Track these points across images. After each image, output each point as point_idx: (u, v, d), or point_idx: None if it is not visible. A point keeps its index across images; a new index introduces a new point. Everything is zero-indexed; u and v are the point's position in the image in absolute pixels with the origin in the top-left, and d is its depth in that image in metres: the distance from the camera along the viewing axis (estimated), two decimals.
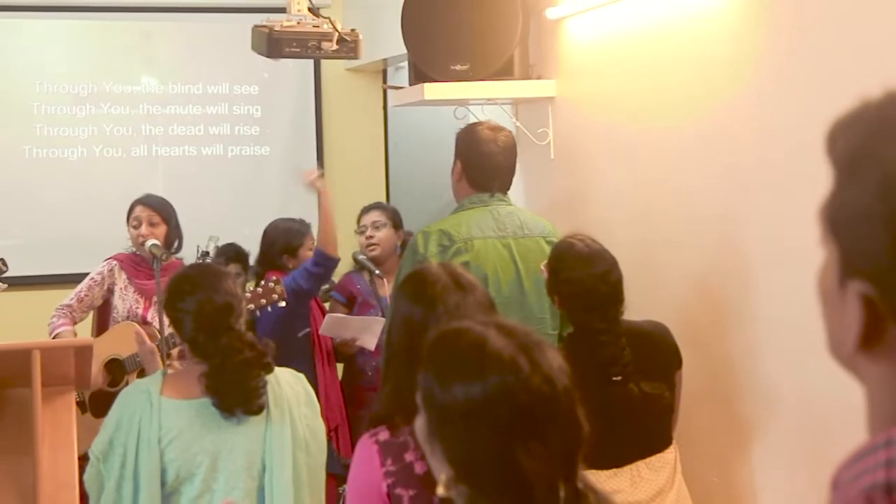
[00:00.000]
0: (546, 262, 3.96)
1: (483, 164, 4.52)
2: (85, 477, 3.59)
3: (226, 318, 3.47)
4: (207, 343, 3.47)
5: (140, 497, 3.43)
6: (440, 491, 1.84)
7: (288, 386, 3.59)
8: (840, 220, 1.08)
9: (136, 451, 3.45)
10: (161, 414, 3.47)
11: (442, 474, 1.83)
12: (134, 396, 3.57)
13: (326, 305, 5.90)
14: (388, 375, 2.68)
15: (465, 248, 4.34)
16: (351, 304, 5.74)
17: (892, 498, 1.02)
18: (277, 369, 3.60)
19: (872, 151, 1.05)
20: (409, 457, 2.48)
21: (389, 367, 2.69)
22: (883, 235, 1.03)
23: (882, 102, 1.08)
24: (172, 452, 3.45)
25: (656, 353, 3.81)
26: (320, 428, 3.65)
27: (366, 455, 2.53)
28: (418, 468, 2.45)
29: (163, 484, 3.45)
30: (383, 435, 2.53)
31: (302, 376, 3.70)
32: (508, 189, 4.58)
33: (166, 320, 5.14)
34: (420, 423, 1.87)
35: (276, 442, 3.50)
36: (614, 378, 3.70)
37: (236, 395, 3.46)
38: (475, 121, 4.92)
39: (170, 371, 3.74)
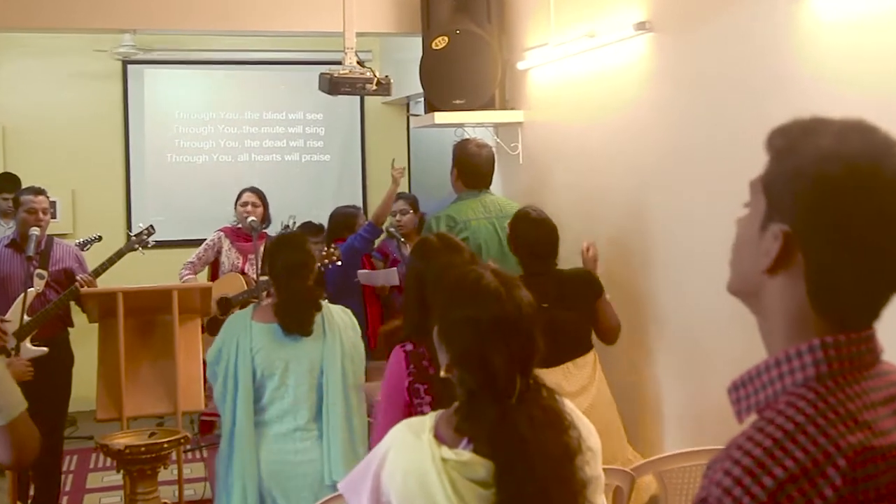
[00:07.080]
0: (509, 223, 3.91)
1: (473, 171, 4.49)
2: (208, 374, 3.60)
3: (299, 269, 3.44)
4: (283, 283, 3.45)
5: (239, 388, 3.43)
6: (442, 373, 1.85)
7: (338, 317, 3.55)
8: (774, 181, 1.07)
9: (236, 357, 3.43)
10: (252, 332, 3.45)
11: (444, 362, 1.85)
12: (235, 320, 3.56)
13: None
14: (406, 308, 2.70)
15: (464, 227, 4.33)
16: (385, 260, 5.76)
17: (787, 398, 1.03)
18: (332, 305, 3.57)
19: (808, 138, 1.05)
20: (424, 362, 2.50)
21: (406, 302, 2.72)
22: (808, 188, 1.03)
23: (810, 119, 1.09)
24: (258, 358, 3.43)
25: (576, 292, 3.76)
26: (360, 345, 3.60)
27: (396, 360, 2.55)
28: (430, 370, 2.47)
29: (253, 379, 3.44)
30: (408, 347, 2.54)
31: (349, 311, 3.65)
32: (490, 185, 4.55)
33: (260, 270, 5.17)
34: (436, 330, 1.88)
35: (329, 353, 3.47)
36: (542, 305, 3.66)
37: (294, 322, 3.44)
38: (467, 137, 4.86)
39: (262, 304, 3.72)
